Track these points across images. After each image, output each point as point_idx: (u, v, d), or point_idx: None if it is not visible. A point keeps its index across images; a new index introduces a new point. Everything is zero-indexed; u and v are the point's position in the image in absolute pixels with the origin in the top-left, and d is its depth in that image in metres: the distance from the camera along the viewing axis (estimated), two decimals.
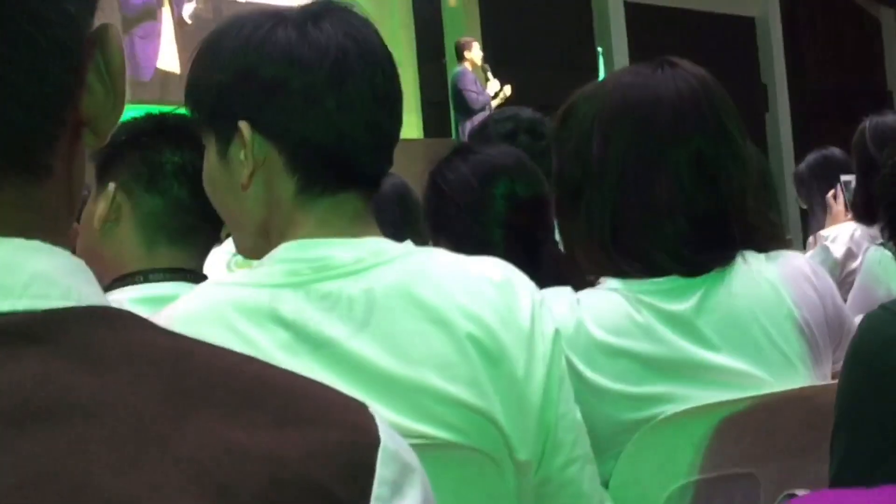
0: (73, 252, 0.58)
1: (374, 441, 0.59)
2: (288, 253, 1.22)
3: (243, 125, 1.23)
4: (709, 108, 1.54)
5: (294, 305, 1.17)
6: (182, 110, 1.40)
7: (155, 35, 8.68)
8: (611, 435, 1.43)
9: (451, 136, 9.27)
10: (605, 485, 1.41)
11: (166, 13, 8.75)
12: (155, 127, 1.79)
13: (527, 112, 2.55)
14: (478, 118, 7.58)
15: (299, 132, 1.22)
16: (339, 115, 1.22)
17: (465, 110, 8.60)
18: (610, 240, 1.53)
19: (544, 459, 1.24)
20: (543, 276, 1.56)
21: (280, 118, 1.22)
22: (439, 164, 2.03)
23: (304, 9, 1.27)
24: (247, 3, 8.50)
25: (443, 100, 9.56)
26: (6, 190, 0.55)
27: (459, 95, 8.79)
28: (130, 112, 1.79)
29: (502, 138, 2.38)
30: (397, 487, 0.59)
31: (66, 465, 0.50)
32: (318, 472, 0.55)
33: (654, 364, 1.48)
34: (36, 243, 0.55)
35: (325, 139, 1.23)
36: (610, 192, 1.52)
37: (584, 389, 1.40)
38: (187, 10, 8.80)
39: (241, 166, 1.24)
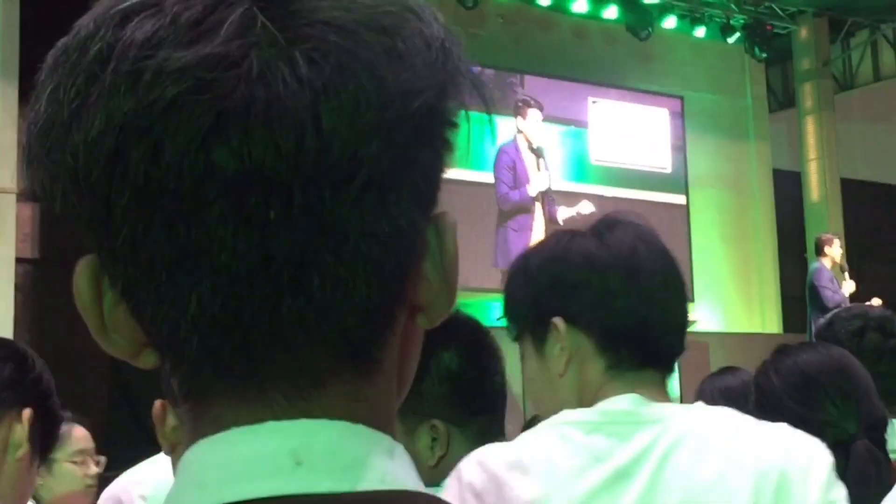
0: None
1: None
2: (604, 405, 1.40)
3: (557, 320, 1.44)
4: None
5: (607, 445, 1.35)
6: None
7: (527, 228, 9.58)
8: None
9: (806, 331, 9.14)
10: None
11: (538, 209, 9.63)
12: None
13: (876, 310, 2.54)
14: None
15: (605, 321, 1.42)
16: (637, 305, 1.42)
17: (820, 307, 8.34)
18: None
19: None
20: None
21: (587, 312, 1.43)
22: (762, 367, 2.06)
23: (598, 221, 1.49)
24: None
25: (802, 295, 9.39)
26: (337, 384, 0.57)
27: (815, 292, 8.63)
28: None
29: (850, 336, 2.37)
30: None
31: None
32: None
33: None
34: (360, 428, 0.56)
35: (626, 325, 1.42)
36: None
37: None
38: (561, 214, 9.64)
39: (557, 358, 1.44)
